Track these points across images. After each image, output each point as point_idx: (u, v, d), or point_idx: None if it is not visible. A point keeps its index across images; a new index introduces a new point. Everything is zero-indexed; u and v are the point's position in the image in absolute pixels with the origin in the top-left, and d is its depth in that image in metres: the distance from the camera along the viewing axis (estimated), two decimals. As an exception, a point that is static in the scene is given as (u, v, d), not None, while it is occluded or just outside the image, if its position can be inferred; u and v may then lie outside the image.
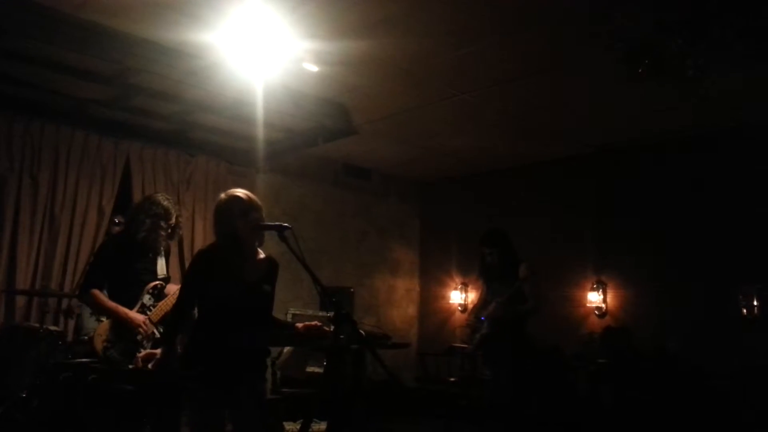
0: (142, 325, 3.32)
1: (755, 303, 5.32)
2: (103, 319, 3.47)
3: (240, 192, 2.75)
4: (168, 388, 2.84)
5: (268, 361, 2.85)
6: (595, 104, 5.45)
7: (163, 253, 3.66)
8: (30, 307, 5.23)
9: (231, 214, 2.68)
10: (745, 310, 5.36)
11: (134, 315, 3.34)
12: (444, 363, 6.91)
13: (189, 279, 2.79)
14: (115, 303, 3.38)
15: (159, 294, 3.48)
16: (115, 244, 3.73)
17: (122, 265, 3.48)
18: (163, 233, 3.55)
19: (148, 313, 3.39)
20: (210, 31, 4.23)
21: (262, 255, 2.80)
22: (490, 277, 4.49)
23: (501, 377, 4.36)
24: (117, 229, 5.46)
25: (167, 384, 2.76)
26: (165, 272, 3.61)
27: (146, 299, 3.43)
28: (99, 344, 3.25)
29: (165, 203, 3.58)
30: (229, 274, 2.63)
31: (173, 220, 3.61)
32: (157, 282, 3.51)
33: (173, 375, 2.61)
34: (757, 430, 4.81)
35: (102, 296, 3.41)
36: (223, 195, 2.77)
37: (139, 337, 3.31)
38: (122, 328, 3.31)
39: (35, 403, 4.09)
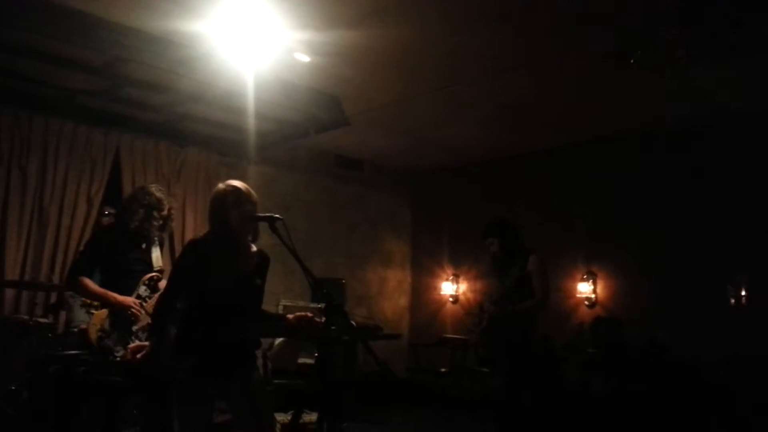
0: (133, 305, 3.33)
1: (743, 293, 5.37)
2: (93, 311, 3.45)
3: (236, 183, 2.73)
4: (157, 380, 2.83)
5: (258, 353, 2.84)
6: (587, 95, 5.45)
7: (157, 243, 3.67)
8: (19, 300, 5.20)
9: (224, 204, 2.66)
10: (733, 300, 5.41)
11: (123, 298, 3.34)
12: (435, 354, 6.94)
13: (179, 270, 2.74)
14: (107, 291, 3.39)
15: (155, 286, 3.47)
16: (106, 234, 3.73)
17: (114, 256, 3.47)
18: (155, 223, 3.55)
19: (144, 304, 3.39)
20: (200, 20, 4.19)
21: (254, 248, 2.78)
22: (497, 268, 4.38)
23: (497, 371, 4.33)
24: (106, 219, 5.44)
25: (156, 376, 2.74)
26: (161, 264, 3.62)
27: (142, 290, 3.43)
28: (93, 334, 3.25)
29: (158, 194, 3.59)
30: (222, 266, 2.61)
31: (165, 211, 3.61)
32: (154, 273, 3.52)
33: (162, 367, 2.60)
34: (747, 418, 4.86)
35: (90, 282, 3.42)
36: (219, 185, 2.75)
37: (134, 328, 3.32)
38: (118, 317, 3.32)
39: (25, 396, 4.07)
